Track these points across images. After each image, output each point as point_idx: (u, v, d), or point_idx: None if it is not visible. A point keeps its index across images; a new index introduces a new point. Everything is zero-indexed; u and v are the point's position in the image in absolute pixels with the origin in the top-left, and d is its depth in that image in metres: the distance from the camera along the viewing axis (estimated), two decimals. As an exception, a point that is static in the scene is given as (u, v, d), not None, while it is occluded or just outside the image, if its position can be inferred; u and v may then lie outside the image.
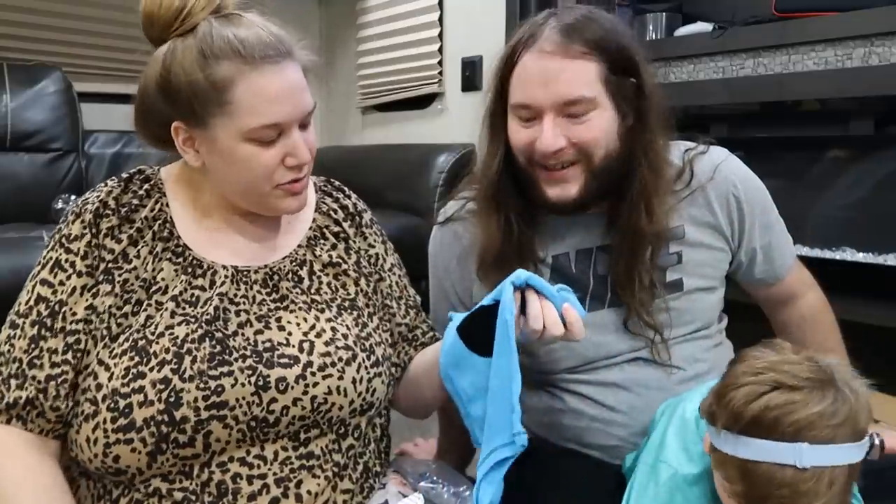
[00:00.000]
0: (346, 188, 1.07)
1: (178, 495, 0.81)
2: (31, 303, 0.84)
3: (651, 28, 2.14)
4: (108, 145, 2.49)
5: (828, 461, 0.66)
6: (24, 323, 0.84)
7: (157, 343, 0.82)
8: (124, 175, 0.93)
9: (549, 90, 0.94)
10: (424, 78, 2.73)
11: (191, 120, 0.84)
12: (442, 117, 2.73)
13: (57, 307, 0.84)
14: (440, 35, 2.65)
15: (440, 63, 2.66)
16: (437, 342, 1.07)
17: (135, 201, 0.90)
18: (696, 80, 1.90)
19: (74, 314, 0.84)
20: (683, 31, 2.02)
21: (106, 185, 0.91)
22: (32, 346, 0.83)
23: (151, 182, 0.93)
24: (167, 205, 0.92)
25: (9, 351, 0.83)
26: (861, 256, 1.75)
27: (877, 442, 0.69)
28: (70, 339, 0.83)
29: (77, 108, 2.44)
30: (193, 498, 0.81)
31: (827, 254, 1.80)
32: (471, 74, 2.54)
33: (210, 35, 0.82)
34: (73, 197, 2.17)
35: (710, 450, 0.76)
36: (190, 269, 0.88)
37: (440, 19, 2.63)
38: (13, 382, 0.82)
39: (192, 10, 0.83)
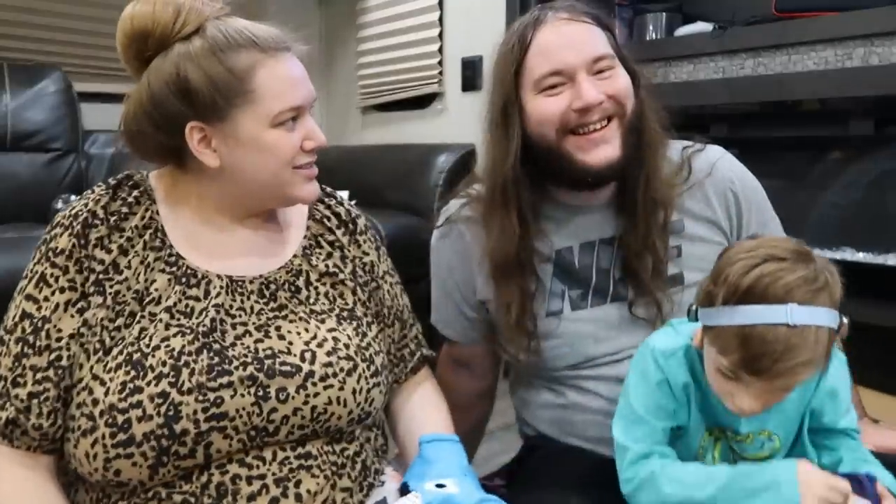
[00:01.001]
0: (336, 194, 1.06)
1: (178, 498, 0.81)
2: (17, 319, 0.84)
3: (651, 28, 2.14)
4: (108, 145, 2.49)
5: (812, 320, 0.76)
6: (9, 340, 0.83)
7: (153, 356, 0.81)
8: (112, 181, 0.91)
9: (578, 50, 0.99)
10: (424, 78, 2.73)
11: (212, 116, 0.84)
12: (442, 117, 2.73)
13: (40, 324, 0.82)
14: (440, 35, 2.65)
15: (440, 63, 2.67)
16: (422, 363, 1.08)
17: (124, 209, 0.88)
18: (696, 80, 1.91)
19: (59, 331, 0.82)
20: (683, 31, 2.02)
21: (93, 191, 0.89)
22: (16, 363, 0.82)
23: (140, 189, 0.91)
24: (157, 212, 0.90)
25: None
26: (861, 256, 1.75)
27: (845, 321, 0.79)
28: (52, 357, 0.82)
29: (77, 108, 2.44)
30: (193, 500, 0.80)
31: (827, 254, 1.79)
32: (471, 74, 2.55)
33: (220, 31, 0.84)
34: (72, 197, 2.17)
35: (700, 339, 0.85)
36: (184, 279, 0.87)
37: (440, 19, 2.63)
38: None
39: (188, 14, 0.84)
